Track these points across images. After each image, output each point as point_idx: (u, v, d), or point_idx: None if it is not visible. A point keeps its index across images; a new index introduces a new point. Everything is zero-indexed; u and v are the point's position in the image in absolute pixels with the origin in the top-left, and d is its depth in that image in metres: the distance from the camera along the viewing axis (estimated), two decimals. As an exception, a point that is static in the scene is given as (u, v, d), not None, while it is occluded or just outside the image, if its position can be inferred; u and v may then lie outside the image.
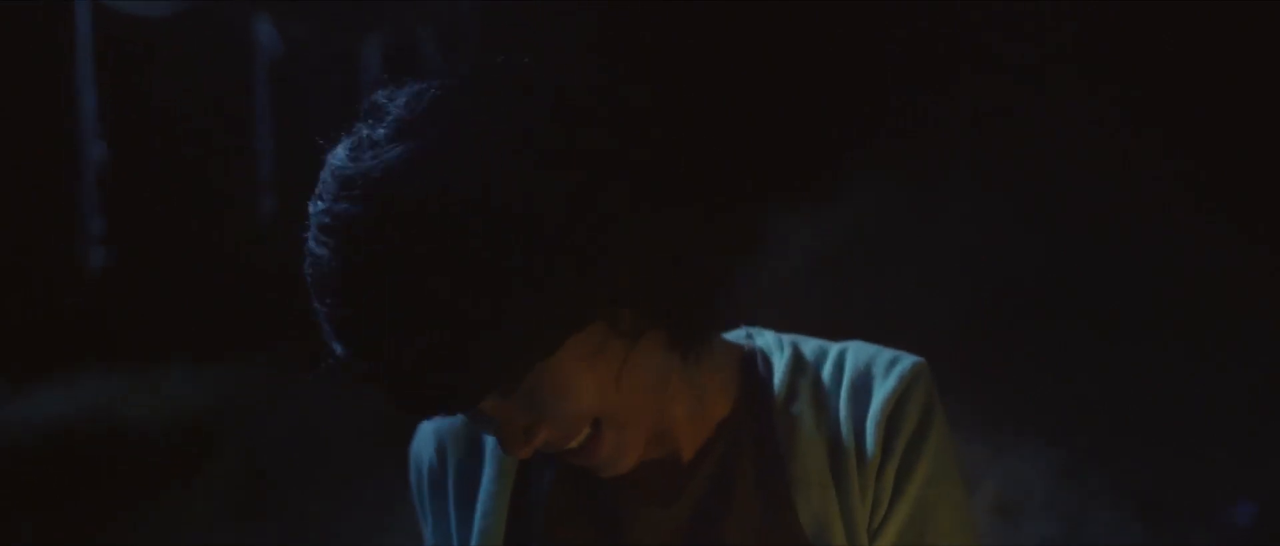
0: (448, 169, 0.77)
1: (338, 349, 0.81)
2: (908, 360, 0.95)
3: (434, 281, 0.76)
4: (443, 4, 6.38)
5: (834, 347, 0.98)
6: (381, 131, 0.80)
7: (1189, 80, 4.77)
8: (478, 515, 0.97)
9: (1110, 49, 5.02)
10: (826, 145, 5.22)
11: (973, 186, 5.18)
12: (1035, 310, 4.53)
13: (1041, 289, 4.63)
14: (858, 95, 5.30)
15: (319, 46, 6.23)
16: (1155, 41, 4.87)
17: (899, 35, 5.31)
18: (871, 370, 0.95)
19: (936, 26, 5.24)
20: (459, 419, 1.01)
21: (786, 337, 1.00)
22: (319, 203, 0.80)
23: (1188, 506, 3.36)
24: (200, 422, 4.40)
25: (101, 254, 4.97)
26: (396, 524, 3.50)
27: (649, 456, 0.95)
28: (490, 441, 0.99)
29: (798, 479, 0.92)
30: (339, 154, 0.81)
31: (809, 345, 0.99)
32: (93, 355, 4.76)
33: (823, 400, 0.95)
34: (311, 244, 0.80)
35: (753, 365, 0.98)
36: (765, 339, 1.00)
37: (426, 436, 1.03)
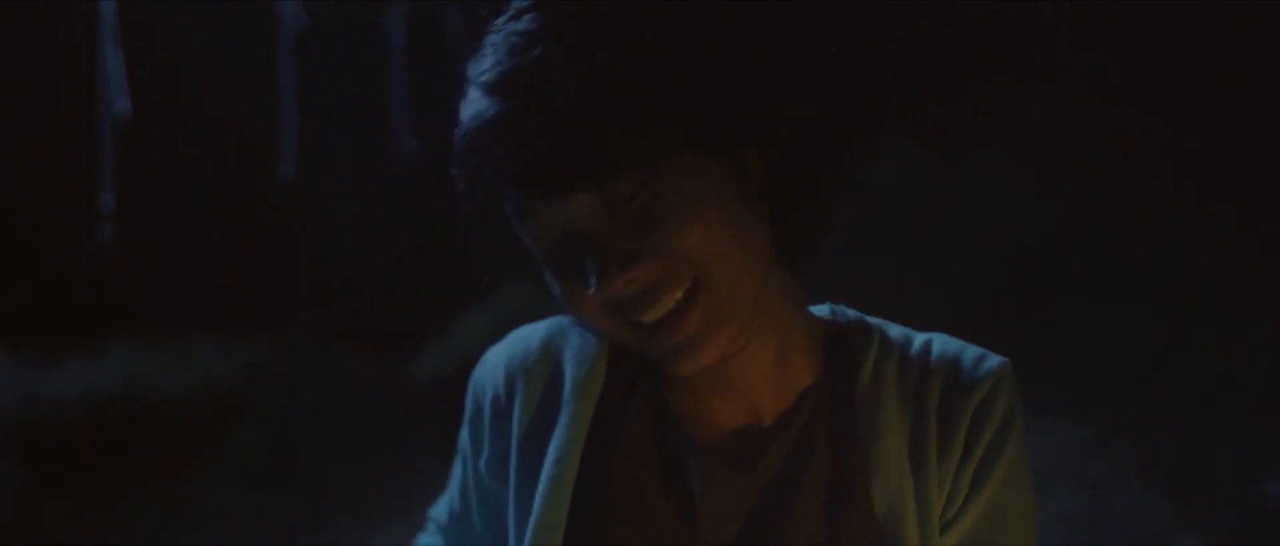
0: None
1: (485, 109, 0.85)
2: (996, 359, 0.95)
3: (596, 45, 0.82)
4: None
5: (919, 336, 0.98)
6: None
7: (1219, 50, 4.72)
8: (550, 459, 0.96)
9: (1140, 21, 4.98)
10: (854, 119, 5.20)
11: (995, 157, 5.15)
12: (1060, 283, 4.51)
13: (1067, 261, 4.61)
14: (881, 70, 5.27)
15: (342, 17, 6.23)
16: (1185, 13, 4.82)
17: (921, 17, 5.28)
18: (960, 364, 0.95)
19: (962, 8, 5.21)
20: (532, 354, 1.01)
21: (873, 320, 1.00)
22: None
23: (1217, 481, 3.34)
24: (227, 395, 4.44)
25: (125, 228, 5.00)
26: (422, 493, 3.53)
27: (730, 421, 0.95)
28: (568, 385, 0.98)
29: (876, 462, 0.92)
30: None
31: (894, 330, 0.99)
32: (121, 329, 4.80)
33: (908, 387, 0.95)
34: (497, 27, 0.88)
35: (839, 340, 0.98)
36: (850, 317, 1.00)
37: (495, 366, 1.03)
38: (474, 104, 0.86)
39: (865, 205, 4.96)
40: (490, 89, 0.85)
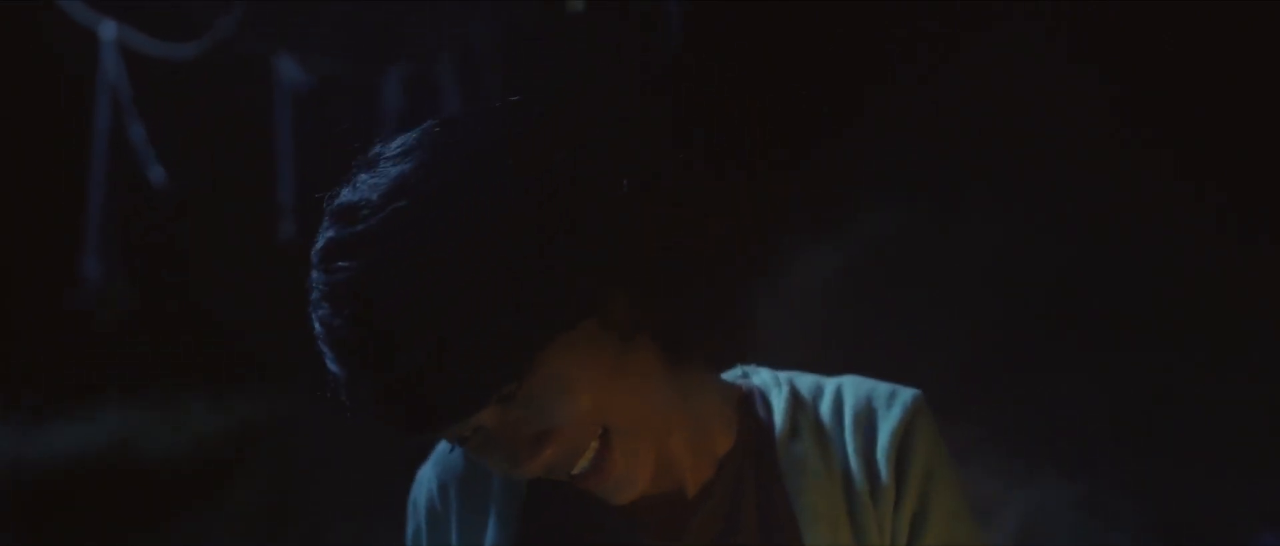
0: (437, 179, 0.81)
1: (336, 370, 0.83)
2: (907, 392, 0.97)
3: (429, 283, 0.78)
4: (462, 37, 6.42)
5: (829, 383, 0.99)
6: (378, 166, 0.84)
7: (1221, 83, 4.72)
8: None
9: (1134, 55, 4.99)
10: (834, 160, 5.21)
11: (987, 214, 5.16)
12: (1052, 338, 4.51)
13: (1058, 316, 4.61)
14: (866, 108, 5.30)
15: (340, 79, 6.27)
16: (1181, 43, 4.82)
17: (906, 44, 5.30)
18: (872, 403, 0.96)
19: (948, 34, 5.22)
20: (459, 465, 1.01)
21: (783, 374, 1.01)
22: (322, 234, 0.84)
23: (1213, 536, 3.33)
24: (221, 453, 4.41)
25: (123, 287, 5.00)
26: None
27: (654, 491, 0.94)
28: (496, 487, 0.99)
29: (806, 513, 0.93)
30: (339, 194, 0.85)
31: (804, 381, 1.00)
32: (113, 386, 4.78)
33: (825, 435, 0.96)
34: (314, 273, 0.83)
35: (751, 403, 0.99)
36: (762, 377, 1.01)
37: (428, 481, 1.03)
38: (326, 355, 0.83)
39: (854, 261, 4.98)
40: (340, 346, 0.81)
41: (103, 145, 4.88)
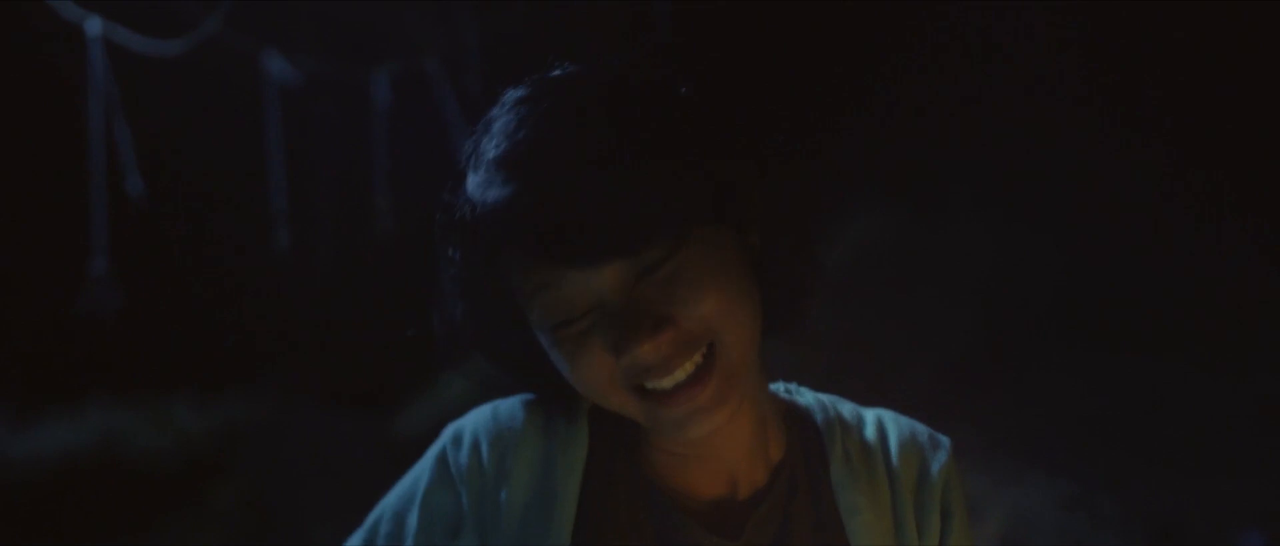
0: (620, 68, 0.91)
1: (504, 190, 0.86)
2: (944, 438, 1.04)
3: (619, 118, 0.86)
4: (449, 35, 6.42)
5: (869, 413, 1.05)
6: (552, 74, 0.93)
7: (1221, 83, 4.74)
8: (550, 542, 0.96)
9: (1133, 55, 5.01)
10: (832, 160, 5.21)
11: (977, 212, 5.17)
12: (1041, 339, 4.52)
13: (1048, 317, 4.62)
14: (860, 108, 5.31)
15: (328, 79, 6.26)
16: (1170, 49, 4.84)
17: (901, 47, 5.31)
18: (917, 439, 1.02)
19: (942, 39, 5.23)
20: (514, 439, 0.99)
21: (826, 397, 1.06)
22: (511, 91, 0.91)
23: (1196, 534, 3.34)
24: (207, 454, 4.40)
25: (111, 287, 4.98)
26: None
27: (709, 492, 0.98)
28: (556, 464, 0.98)
29: (857, 527, 0.98)
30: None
31: (845, 407, 1.05)
32: (100, 387, 4.77)
33: (872, 459, 1.01)
34: (499, 110, 0.90)
35: (798, 417, 1.03)
36: (805, 397, 1.06)
37: (475, 435, 1.00)
38: (493, 182, 0.87)
39: (847, 260, 4.98)
40: (514, 165, 0.86)
41: (90, 144, 4.87)
